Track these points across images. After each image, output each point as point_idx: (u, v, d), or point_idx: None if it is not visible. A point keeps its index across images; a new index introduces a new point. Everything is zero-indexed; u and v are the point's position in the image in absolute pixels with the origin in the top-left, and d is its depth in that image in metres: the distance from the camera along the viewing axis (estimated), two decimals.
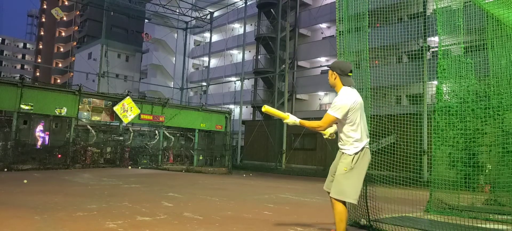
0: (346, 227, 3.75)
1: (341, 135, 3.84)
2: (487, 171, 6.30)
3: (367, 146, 3.83)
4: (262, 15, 30.91)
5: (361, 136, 3.79)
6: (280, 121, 23.81)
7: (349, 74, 3.84)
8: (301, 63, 30.17)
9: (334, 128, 4.02)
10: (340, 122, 3.79)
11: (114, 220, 4.80)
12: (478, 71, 6.74)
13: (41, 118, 15.01)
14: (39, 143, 14.89)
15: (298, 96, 29.81)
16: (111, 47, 41.73)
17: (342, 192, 3.72)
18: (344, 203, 3.72)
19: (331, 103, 3.97)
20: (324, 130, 4.00)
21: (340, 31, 5.52)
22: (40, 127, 14.92)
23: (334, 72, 3.87)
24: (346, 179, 3.72)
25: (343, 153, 3.82)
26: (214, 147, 20.95)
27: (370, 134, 4.25)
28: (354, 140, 3.77)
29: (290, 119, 3.92)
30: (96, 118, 16.66)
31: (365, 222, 4.85)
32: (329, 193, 3.84)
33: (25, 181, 9.31)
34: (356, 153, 3.74)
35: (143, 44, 46.70)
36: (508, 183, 5.54)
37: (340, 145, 3.88)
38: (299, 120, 3.91)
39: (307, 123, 3.93)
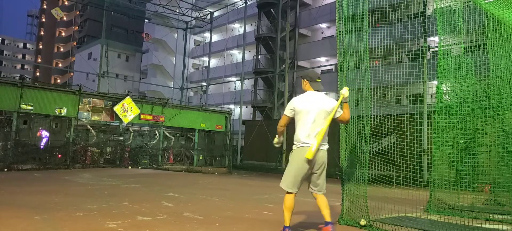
0: None
1: (325, 134, 4.09)
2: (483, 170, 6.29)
3: None
4: (262, 15, 30.90)
5: None
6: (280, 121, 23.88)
7: (317, 80, 4.31)
8: (301, 63, 30.15)
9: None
10: (329, 119, 4.12)
11: (114, 220, 4.80)
12: (478, 71, 6.73)
13: (42, 124, 14.98)
14: (42, 143, 14.88)
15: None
16: (111, 47, 41.71)
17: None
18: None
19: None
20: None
21: (340, 31, 5.51)
22: (45, 133, 14.90)
23: (304, 79, 4.35)
24: None
25: (324, 150, 4.09)
26: (214, 147, 20.94)
27: (370, 133, 4.45)
28: None
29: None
30: (96, 118, 16.65)
31: (365, 222, 4.85)
32: (312, 192, 4.21)
33: None
34: None
35: (143, 44, 46.70)
36: (508, 183, 5.54)
37: (324, 141, 4.10)
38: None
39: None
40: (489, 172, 6.20)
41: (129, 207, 5.94)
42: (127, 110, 16.99)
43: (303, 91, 4.34)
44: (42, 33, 75.83)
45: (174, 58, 41.49)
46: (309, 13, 29.88)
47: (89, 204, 5.99)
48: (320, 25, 29.62)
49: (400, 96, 13.58)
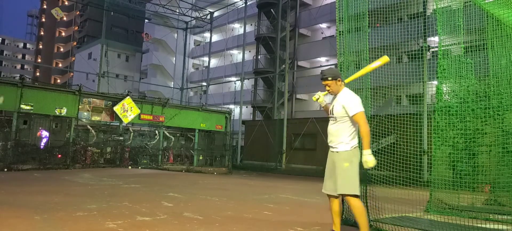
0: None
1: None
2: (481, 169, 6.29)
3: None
4: (262, 15, 30.89)
5: None
6: (280, 120, 23.95)
7: None
8: (301, 63, 30.16)
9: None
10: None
11: (114, 220, 4.80)
12: (478, 71, 6.73)
13: (42, 124, 14.97)
14: (42, 143, 14.88)
15: (298, 96, 29.81)
16: (111, 47, 41.73)
17: None
18: None
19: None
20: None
21: (340, 31, 5.51)
22: (45, 133, 14.89)
23: (339, 79, 4.01)
24: None
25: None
26: (214, 147, 20.93)
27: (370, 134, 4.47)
28: None
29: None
30: (96, 118, 16.65)
31: None
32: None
33: None
34: None
35: (143, 44, 46.71)
36: (508, 183, 5.54)
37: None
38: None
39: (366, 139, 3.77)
40: (489, 172, 6.21)
41: (129, 207, 5.94)
42: (127, 110, 16.99)
43: (333, 91, 4.03)
44: (42, 33, 75.84)
45: (174, 58, 41.50)
46: (309, 13, 29.88)
47: (89, 204, 5.99)
48: (320, 25, 29.62)
49: (400, 96, 13.59)
